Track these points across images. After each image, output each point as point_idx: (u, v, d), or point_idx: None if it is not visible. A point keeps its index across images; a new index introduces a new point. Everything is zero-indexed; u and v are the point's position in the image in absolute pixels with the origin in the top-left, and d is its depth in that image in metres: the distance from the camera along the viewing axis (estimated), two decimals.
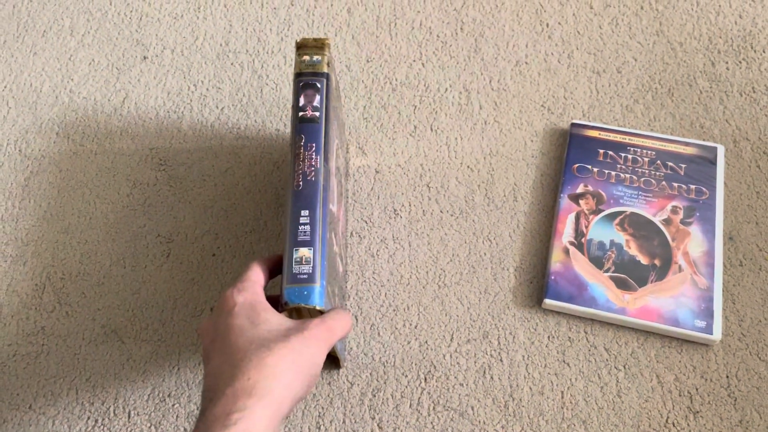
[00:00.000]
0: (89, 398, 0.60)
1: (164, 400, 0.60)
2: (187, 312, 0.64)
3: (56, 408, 0.60)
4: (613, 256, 0.64)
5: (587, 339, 0.62)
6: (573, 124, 0.72)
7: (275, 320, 0.45)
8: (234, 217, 0.69)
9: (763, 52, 0.78)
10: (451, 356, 0.61)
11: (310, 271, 0.49)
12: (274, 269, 0.53)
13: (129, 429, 0.59)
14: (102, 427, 0.59)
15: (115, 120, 0.76)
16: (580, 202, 0.67)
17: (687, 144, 0.70)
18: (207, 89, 0.78)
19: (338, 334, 0.47)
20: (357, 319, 0.63)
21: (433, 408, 0.59)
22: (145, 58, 0.80)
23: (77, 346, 0.63)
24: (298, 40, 0.59)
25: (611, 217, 0.66)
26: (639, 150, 0.70)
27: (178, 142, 0.74)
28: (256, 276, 0.50)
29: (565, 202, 0.67)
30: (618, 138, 0.71)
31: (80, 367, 0.62)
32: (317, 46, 0.58)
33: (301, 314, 0.49)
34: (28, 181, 0.72)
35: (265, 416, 0.40)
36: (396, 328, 0.63)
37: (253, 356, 0.42)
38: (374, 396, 0.60)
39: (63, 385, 0.61)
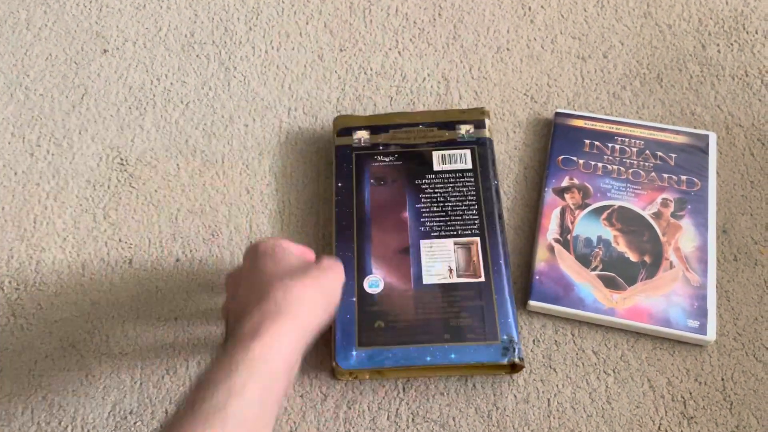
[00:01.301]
0: (45, 417, 0.56)
1: (126, 417, 0.56)
2: (151, 322, 0.60)
3: (10, 428, 0.56)
4: (601, 253, 0.60)
5: (574, 342, 0.59)
6: (557, 114, 0.68)
7: (295, 260, 0.50)
8: (200, 220, 0.65)
9: (756, 33, 0.74)
10: None
11: None
12: None
13: None
14: None
15: (74, 118, 0.71)
16: (566, 196, 0.63)
17: (677, 132, 0.66)
18: (171, 83, 0.73)
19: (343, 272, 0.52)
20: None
21: (412, 419, 0.56)
22: (105, 51, 0.76)
23: (33, 361, 0.59)
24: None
25: (598, 211, 0.62)
26: (627, 140, 0.66)
27: (141, 141, 0.70)
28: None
29: (549, 196, 0.64)
30: (605, 127, 0.67)
31: (36, 384, 0.58)
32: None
33: None
34: None
35: (292, 333, 0.43)
36: None
37: (278, 283, 0.45)
38: (349, 408, 0.56)
39: (17, 404, 0.57)
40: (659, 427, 0.55)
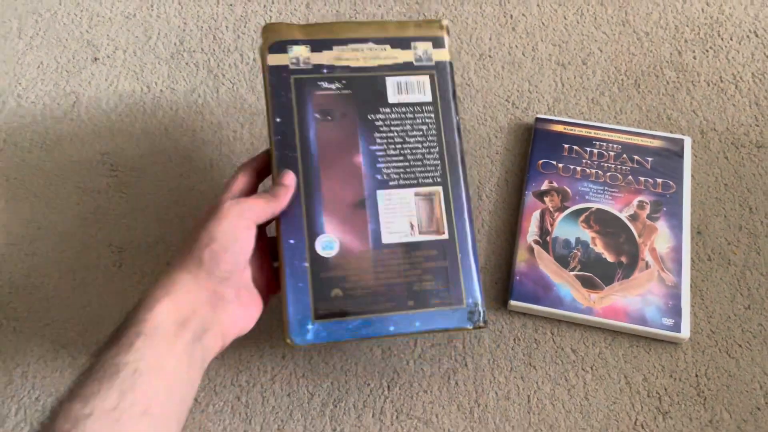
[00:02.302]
0: (39, 418, 0.57)
1: None
2: None
3: (4, 429, 0.57)
4: (579, 254, 0.62)
5: (554, 340, 0.60)
6: (537, 119, 0.70)
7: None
8: (189, 224, 0.67)
9: (730, 39, 0.77)
10: (414, 362, 0.59)
11: None
12: (262, 170, 0.53)
13: None
14: None
15: (65, 125, 0.73)
16: (545, 199, 0.65)
17: (654, 137, 0.68)
18: (161, 90, 0.75)
19: (253, 211, 0.48)
20: None
21: (397, 417, 0.57)
22: (96, 59, 0.77)
23: (26, 363, 0.60)
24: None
25: (576, 214, 0.64)
26: (605, 144, 0.68)
27: (131, 147, 0.71)
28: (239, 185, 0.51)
29: (529, 199, 0.65)
30: (583, 132, 0.69)
31: (29, 385, 0.59)
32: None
33: None
34: None
35: (162, 288, 0.45)
36: None
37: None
38: (335, 406, 0.58)
39: (11, 405, 0.58)
40: (635, 422, 0.57)
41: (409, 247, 0.52)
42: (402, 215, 0.52)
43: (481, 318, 0.52)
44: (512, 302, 0.61)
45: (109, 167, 0.70)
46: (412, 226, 0.52)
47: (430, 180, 0.53)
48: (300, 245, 0.50)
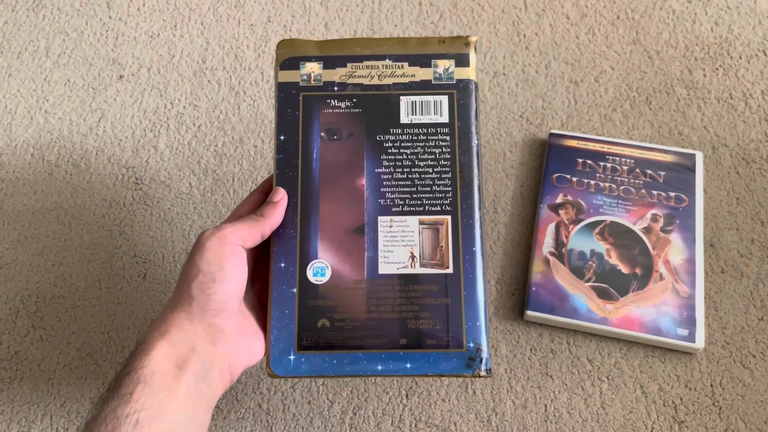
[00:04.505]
0: (64, 424, 0.59)
1: None
2: None
3: None
4: (594, 265, 0.63)
5: (570, 350, 0.61)
6: (551, 134, 0.72)
7: None
8: None
9: (740, 58, 0.78)
10: None
11: None
12: (269, 193, 0.50)
13: None
14: None
15: (91, 140, 0.75)
16: (560, 212, 0.67)
17: (666, 152, 0.70)
18: (184, 107, 0.77)
19: (237, 235, 0.46)
20: None
21: (415, 425, 0.58)
22: (121, 77, 0.80)
23: (52, 370, 0.62)
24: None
25: (591, 226, 0.66)
26: (618, 158, 0.69)
27: (155, 161, 0.73)
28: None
29: (544, 212, 0.67)
30: (597, 147, 0.70)
31: (55, 392, 0.60)
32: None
33: None
34: (2, 204, 0.71)
35: (155, 326, 0.44)
36: None
37: None
38: (355, 414, 0.59)
39: (37, 411, 0.60)
40: (651, 431, 0.57)
41: (407, 280, 0.48)
42: (403, 244, 0.49)
43: (483, 365, 0.47)
44: (528, 312, 0.62)
45: (134, 181, 0.72)
46: (412, 256, 0.49)
47: (438, 208, 0.49)
48: (290, 269, 0.49)
